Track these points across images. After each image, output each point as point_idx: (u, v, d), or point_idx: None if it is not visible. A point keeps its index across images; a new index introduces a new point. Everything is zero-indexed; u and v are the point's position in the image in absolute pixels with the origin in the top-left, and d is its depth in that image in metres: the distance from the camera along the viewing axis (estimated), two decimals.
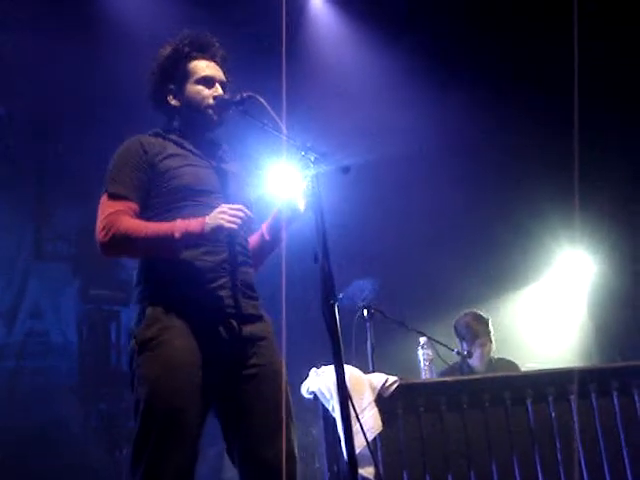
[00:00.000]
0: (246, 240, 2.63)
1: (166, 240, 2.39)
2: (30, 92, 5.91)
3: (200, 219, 2.40)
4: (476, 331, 4.67)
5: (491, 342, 4.70)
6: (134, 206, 2.49)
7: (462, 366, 4.66)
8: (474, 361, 4.65)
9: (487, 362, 4.68)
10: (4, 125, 6.22)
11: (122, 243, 2.43)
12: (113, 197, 2.49)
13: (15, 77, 5.82)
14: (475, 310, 4.86)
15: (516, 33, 6.22)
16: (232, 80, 2.75)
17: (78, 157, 6.04)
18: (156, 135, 2.66)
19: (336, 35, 6.83)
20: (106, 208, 2.48)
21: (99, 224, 2.46)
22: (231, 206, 2.41)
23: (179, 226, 2.39)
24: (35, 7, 5.69)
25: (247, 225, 2.45)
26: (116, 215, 2.44)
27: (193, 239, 2.40)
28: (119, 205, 2.47)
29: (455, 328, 4.77)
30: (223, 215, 2.38)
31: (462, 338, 4.73)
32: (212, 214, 2.40)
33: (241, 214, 2.40)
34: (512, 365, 4.74)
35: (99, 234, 2.45)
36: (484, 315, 4.81)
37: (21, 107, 6.18)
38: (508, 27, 6.23)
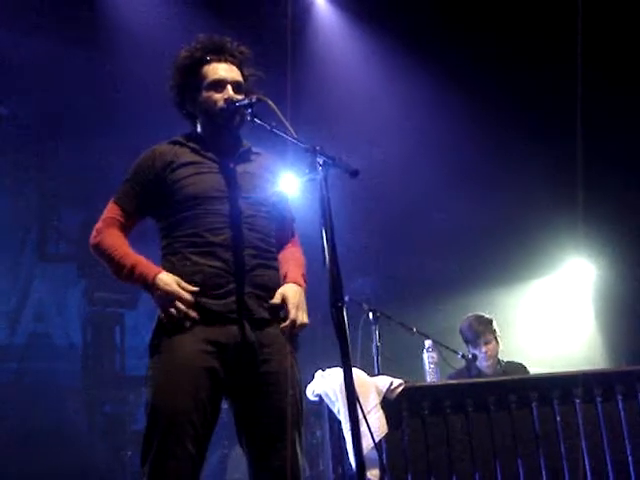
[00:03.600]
0: (266, 241, 2.61)
1: (123, 271, 2.53)
2: (34, 93, 5.93)
3: (155, 272, 2.50)
4: (478, 331, 4.67)
5: (496, 341, 4.70)
6: (130, 219, 2.65)
7: (470, 369, 4.66)
8: (481, 362, 4.65)
9: (495, 365, 4.68)
10: (9, 124, 6.23)
11: (100, 255, 2.61)
12: (116, 204, 2.65)
13: (20, 78, 5.85)
14: (478, 312, 4.85)
15: (520, 43, 6.26)
16: (255, 74, 2.76)
17: (81, 159, 6.06)
18: (174, 143, 2.70)
19: (340, 37, 6.85)
20: (107, 211, 2.65)
21: (97, 224, 2.64)
22: (180, 295, 2.45)
23: (139, 266, 2.52)
24: (41, 11, 5.71)
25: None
26: (109, 223, 2.62)
27: (143, 285, 2.52)
28: (117, 214, 2.63)
29: (460, 332, 4.77)
30: (168, 299, 2.45)
31: (467, 341, 4.73)
32: (166, 284, 2.46)
33: (178, 309, 2.44)
34: (521, 368, 4.73)
35: (92, 233, 2.64)
36: (486, 315, 4.81)
37: (25, 108, 6.21)
38: (512, 36, 6.26)
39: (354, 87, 6.70)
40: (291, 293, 2.58)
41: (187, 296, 2.45)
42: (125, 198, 2.64)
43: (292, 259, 2.73)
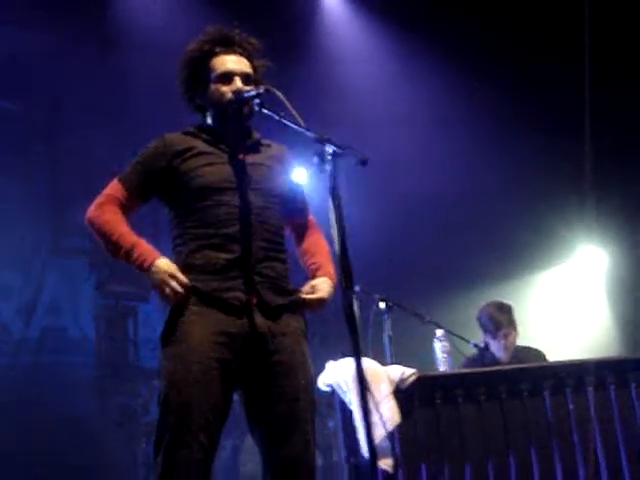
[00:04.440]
0: (275, 232, 2.61)
1: (120, 251, 2.54)
2: (44, 89, 5.96)
3: (153, 257, 2.51)
4: (499, 322, 4.56)
5: (515, 331, 4.60)
6: (132, 200, 2.64)
7: (485, 356, 4.58)
8: (498, 351, 4.56)
9: (511, 354, 4.59)
10: (18, 120, 6.25)
11: (96, 229, 2.60)
12: (120, 183, 2.64)
13: (30, 74, 5.87)
14: (497, 300, 4.77)
15: (529, 37, 6.27)
16: (265, 65, 2.76)
17: (92, 152, 6.08)
18: (186, 133, 2.70)
19: (349, 27, 6.85)
20: (109, 188, 2.64)
21: (97, 198, 2.64)
22: (175, 278, 2.47)
23: (138, 248, 2.52)
24: (50, 8, 5.73)
25: None
26: (110, 200, 2.61)
27: (138, 267, 2.53)
28: (119, 193, 2.62)
29: (479, 320, 4.67)
30: (166, 284, 2.47)
31: (485, 329, 4.62)
32: (161, 270, 2.48)
33: (175, 292, 2.47)
34: (537, 353, 4.65)
35: (91, 206, 2.63)
36: (506, 303, 4.71)
37: (35, 103, 6.23)
38: (524, 27, 6.26)
39: (362, 77, 6.71)
40: (323, 286, 2.63)
41: (179, 288, 2.47)
42: (130, 179, 2.63)
43: (321, 251, 2.76)
